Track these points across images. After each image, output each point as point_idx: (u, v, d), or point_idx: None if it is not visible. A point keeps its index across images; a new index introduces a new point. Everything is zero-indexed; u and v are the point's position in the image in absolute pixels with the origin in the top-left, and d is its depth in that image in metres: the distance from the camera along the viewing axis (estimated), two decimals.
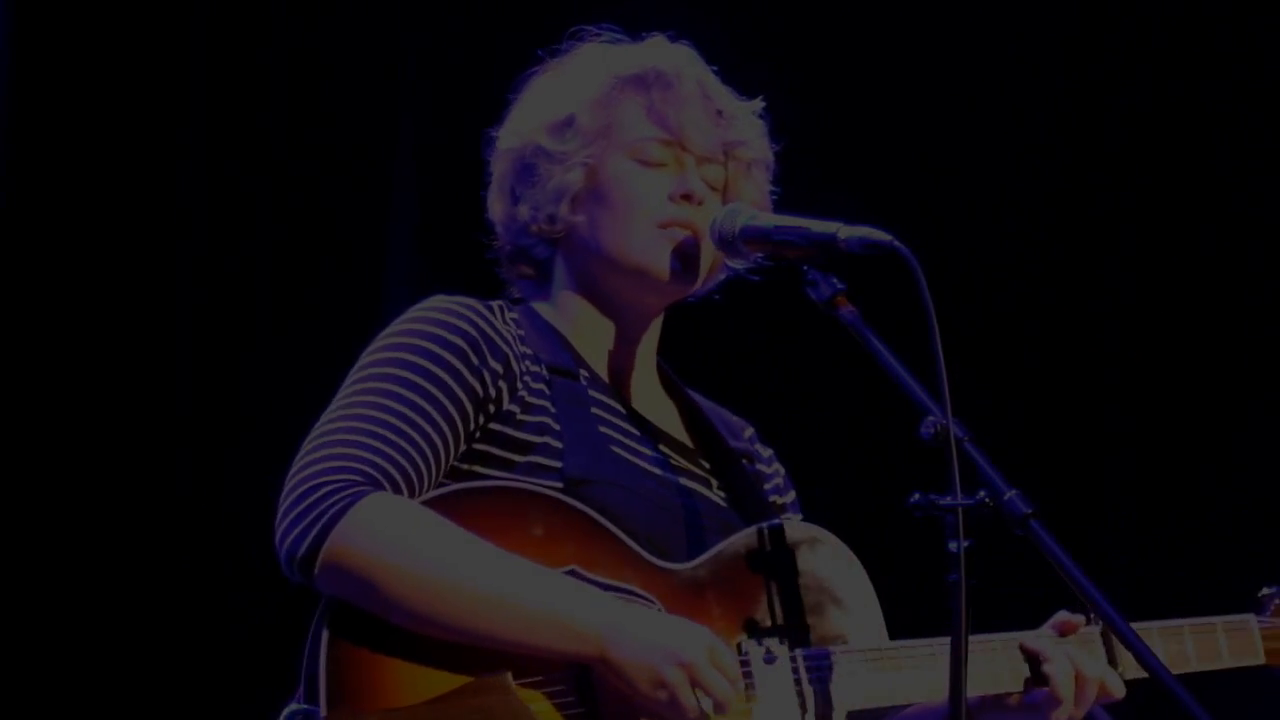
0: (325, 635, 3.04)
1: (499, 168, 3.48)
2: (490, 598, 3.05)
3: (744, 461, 3.54)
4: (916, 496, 3.03)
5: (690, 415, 3.53)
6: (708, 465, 3.47)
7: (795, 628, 3.26)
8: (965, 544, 3.00)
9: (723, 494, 3.44)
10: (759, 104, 3.49)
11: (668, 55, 3.45)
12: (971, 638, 3.21)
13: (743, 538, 3.28)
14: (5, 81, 5.11)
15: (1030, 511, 3.03)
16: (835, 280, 3.21)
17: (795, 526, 3.33)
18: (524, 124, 3.44)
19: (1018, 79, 5.89)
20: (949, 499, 3.01)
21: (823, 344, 3.62)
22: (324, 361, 5.15)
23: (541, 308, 3.46)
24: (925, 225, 5.04)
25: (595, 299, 3.44)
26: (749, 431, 3.62)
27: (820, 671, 3.24)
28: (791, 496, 3.63)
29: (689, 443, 3.49)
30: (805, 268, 3.24)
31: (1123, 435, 5.89)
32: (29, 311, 5.10)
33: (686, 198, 3.38)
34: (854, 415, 5.35)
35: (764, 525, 3.30)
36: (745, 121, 3.46)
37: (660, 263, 3.37)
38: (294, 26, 5.36)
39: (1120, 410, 5.90)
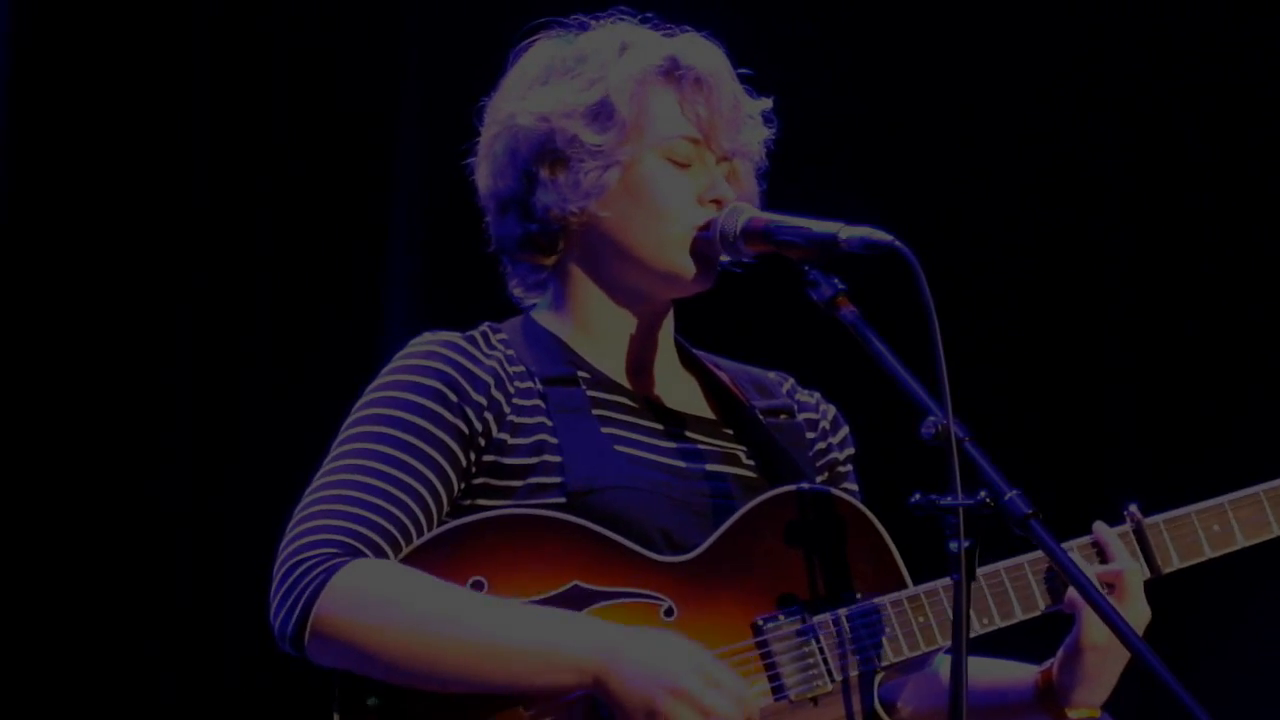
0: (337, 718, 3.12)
1: (506, 141, 3.39)
2: (478, 643, 3.06)
3: (782, 417, 3.49)
4: (917, 496, 3.03)
5: (713, 386, 3.50)
6: (732, 434, 3.43)
7: (814, 591, 3.24)
8: (966, 544, 3.00)
9: (753, 462, 3.41)
10: (768, 104, 3.48)
11: (701, 52, 3.40)
12: (1001, 564, 3.26)
13: (748, 511, 3.26)
14: (5, 81, 5.10)
15: (1031, 511, 3.03)
16: (836, 280, 3.21)
17: (797, 490, 3.30)
18: (547, 103, 3.35)
19: (1017, 77, 5.88)
20: (950, 499, 3.00)
21: (823, 344, 3.61)
22: (325, 361, 5.20)
23: (540, 315, 3.44)
24: (925, 225, 5.03)
25: (609, 294, 3.41)
26: (787, 384, 3.58)
27: (847, 632, 3.22)
28: (843, 434, 3.58)
29: (712, 415, 3.45)
30: (806, 268, 3.24)
31: (1124, 434, 5.89)
32: (27, 317, 5.09)
33: (716, 202, 3.37)
34: (854, 415, 5.35)
35: (766, 494, 3.28)
36: (755, 122, 3.45)
37: (688, 265, 3.35)
38: (295, 31, 5.35)
39: (1121, 409, 5.90)
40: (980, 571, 3.23)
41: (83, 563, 5.09)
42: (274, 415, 5.20)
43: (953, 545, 3.00)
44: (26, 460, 5.07)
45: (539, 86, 3.38)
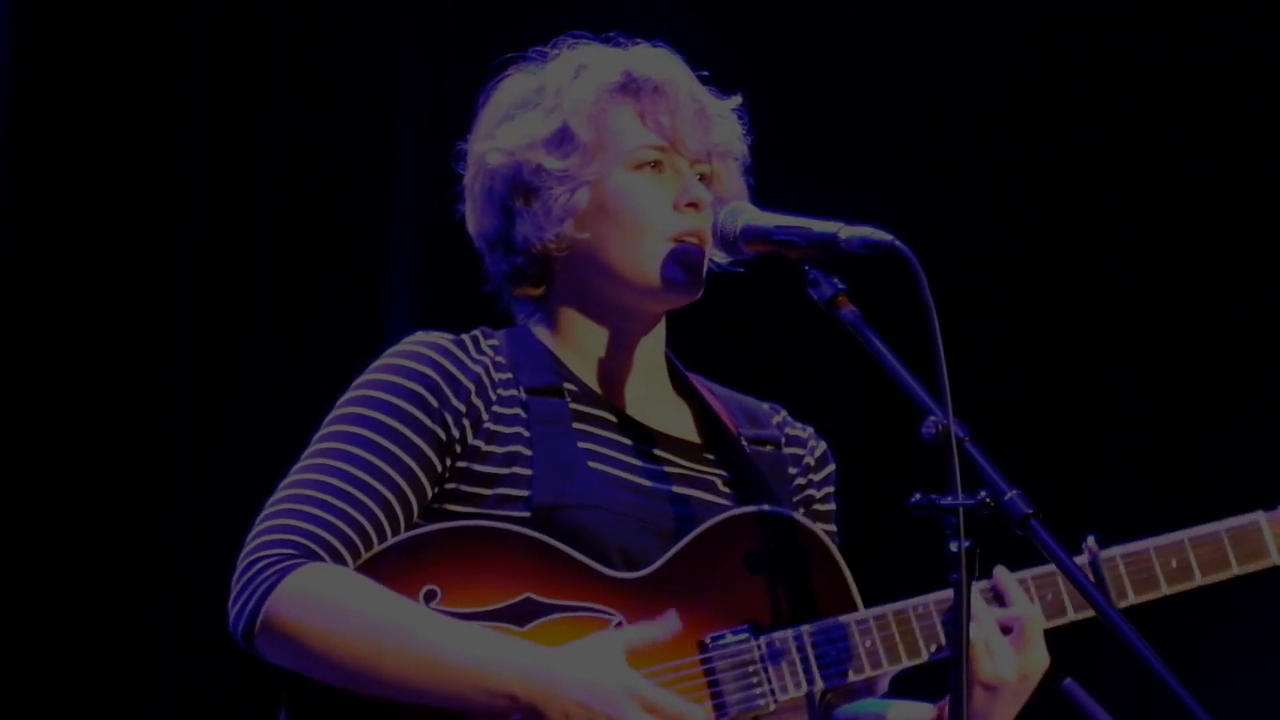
0: (284, 715, 3.18)
1: (483, 182, 3.42)
2: (418, 656, 3.09)
3: (767, 448, 3.50)
4: (917, 496, 3.03)
5: (702, 410, 3.50)
6: (713, 459, 3.44)
7: (765, 613, 3.25)
8: (966, 544, 3.00)
9: (729, 490, 3.41)
10: (737, 100, 3.48)
11: (653, 60, 3.42)
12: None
13: (704, 531, 3.26)
14: (5, 81, 5.10)
15: (1031, 511, 3.02)
16: (837, 280, 3.21)
17: (753, 513, 3.30)
18: (511, 138, 3.38)
19: (1017, 76, 5.89)
20: (950, 499, 3.00)
21: (823, 344, 3.61)
22: (324, 360, 5.20)
23: (536, 328, 3.44)
24: (925, 225, 5.04)
25: (597, 310, 3.41)
26: (779, 416, 3.57)
27: (793, 653, 3.23)
28: (825, 473, 3.56)
29: (697, 439, 3.45)
30: (806, 267, 3.23)
31: (1124, 435, 5.90)
32: (26, 313, 5.09)
33: (693, 205, 3.37)
34: (854, 415, 5.36)
35: (723, 515, 3.28)
36: (728, 121, 3.45)
37: (672, 275, 3.36)
38: (295, 27, 5.35)
39: (1121, 410, 5.91)
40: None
41: (79, 560, 5.09)
42: (272, 414, 5.19)
43: (953, 545, 3.00)
44: (25, 457, 5.07)
45: (505, 123, 3.41)
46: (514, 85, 3.46)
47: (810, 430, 3.59)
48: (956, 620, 3.01)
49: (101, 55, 5.17)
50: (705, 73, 3.47)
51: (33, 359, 5.09)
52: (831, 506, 3.56)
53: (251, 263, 5.28)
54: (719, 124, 3.43)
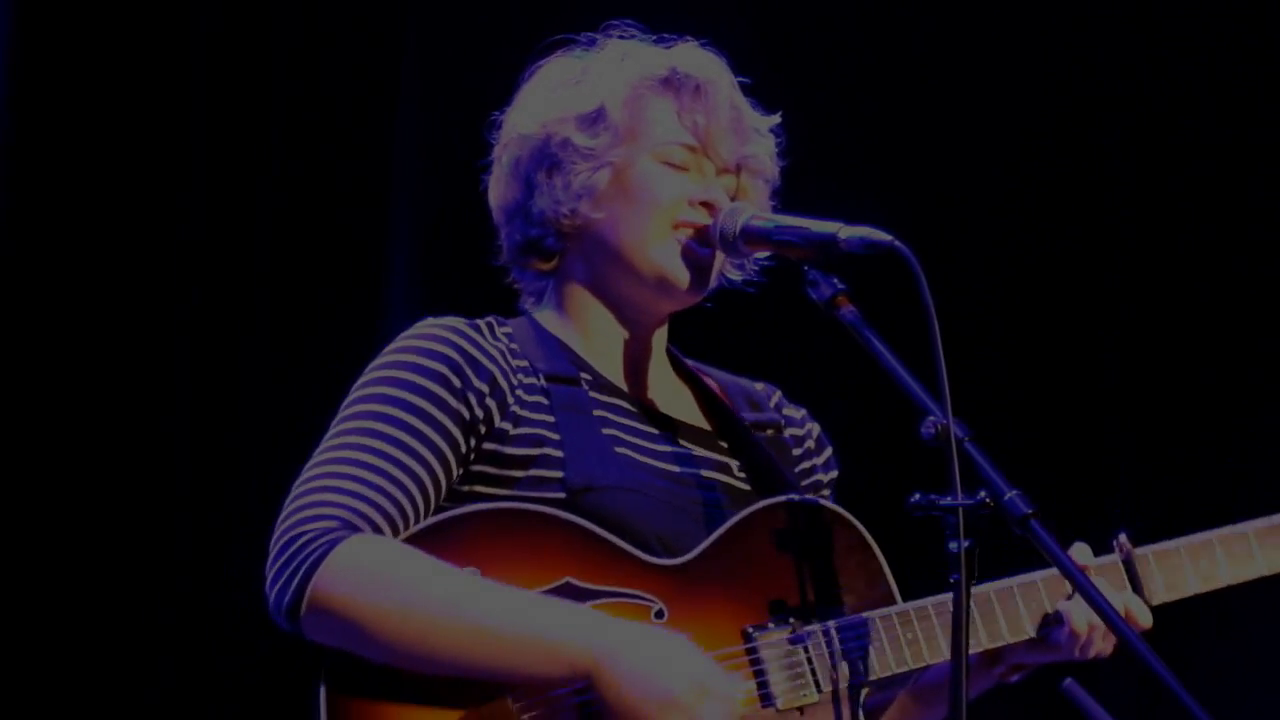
0: (324, 692, 3.08)
1: (512, 152, 3.44)
2: (475, 628, 3.05)
3: (769, 432, 3.51)
4: (917, 496, 3.03)
5: (706, 397, 3.51)
6: (726, 446, 3.45)
7: (803, 601, 3.25)
8: (966, 544, 3.00)
9: (744, 475, 3.43)
10: (776, 119, 3.49)
11: (700, 62, 3.43)
12: (988, 584, 3.25)
13: (742, 519, 3.27)
14: (5, 82, 5.10)
15: (1031, 511, 3.03)
16: (836, 280, 3.22)
17: (791, 501, 3.31)
18: (546, 111, 3.40)
19: (1018, 77, 5.89)
20: (949, 499, 3.01)
21: (823, 344, 3.62)
22: (324, 357, 5.20)
23: (543, 316, 3.45)
24: (925, 225, 5.03)
25: (605, 300, 3.43)
26: (775, 397, 3.60)
27: (835, 644, 3.24)
28: (827, 455, 3.59)
29: (707, 426, 3.47)
30: (806, 268, 3.24)
31: (1124, 435, 5.89)
32: (27, 307, 5.09)
33: (707, 205, 3.38)
34: (854, 415, 5.36)
35: (761, 503, 3.29)
36: (763, 137, 3.46)
37: (674, 268, 3.36)
38: (294, 26, 5.36)
39: (1122, 410, 5.90)
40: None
41: (82, 553, 5.08)
42: (274, 410, 5.19)
43: (953, 545, 3.00)
44: (25, 458, 5.07)
45: (543, 98, 3.43)
46: (558, 65, 3.47)
47: (804, 412, 3.61)
48: (957, 620, 3.01)
49: (102, 55, 5.16)
50: (748, 80, 3.48)
51: (33, 358, 5.09)
52: (831, 491, 3.58)
53: (251, 264, 5.28)
54: (754, 137, 3.45)
